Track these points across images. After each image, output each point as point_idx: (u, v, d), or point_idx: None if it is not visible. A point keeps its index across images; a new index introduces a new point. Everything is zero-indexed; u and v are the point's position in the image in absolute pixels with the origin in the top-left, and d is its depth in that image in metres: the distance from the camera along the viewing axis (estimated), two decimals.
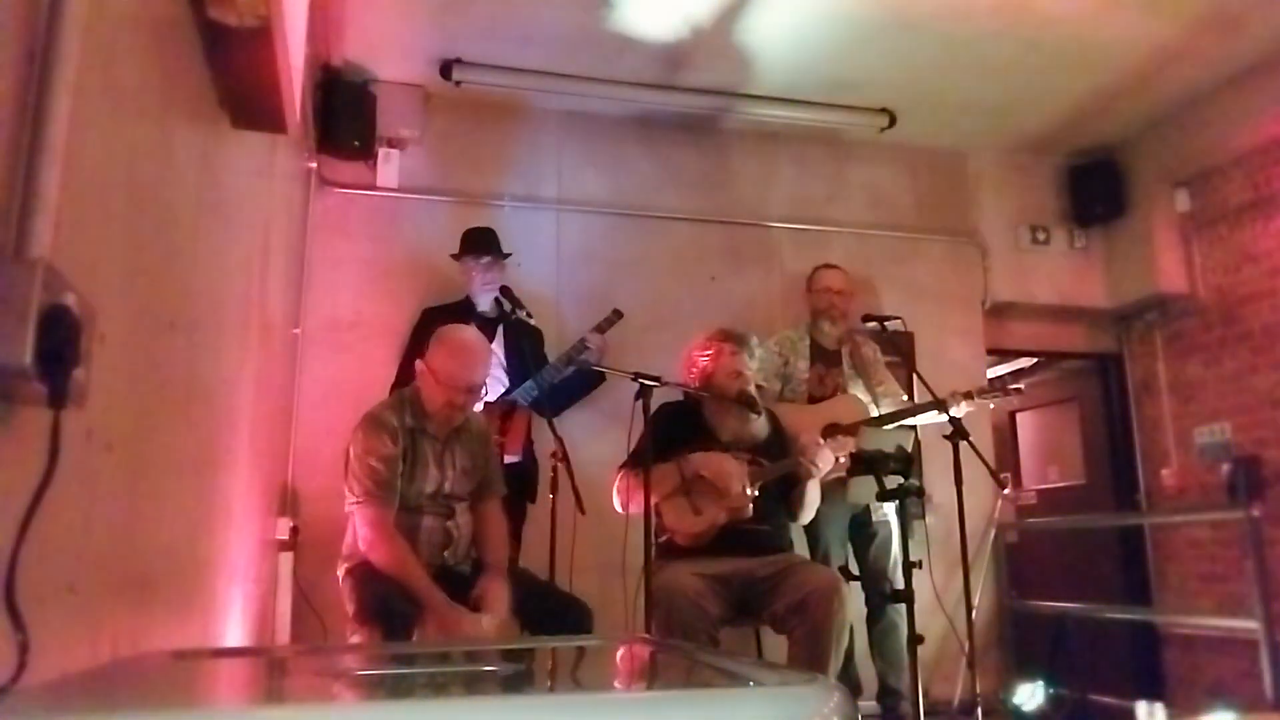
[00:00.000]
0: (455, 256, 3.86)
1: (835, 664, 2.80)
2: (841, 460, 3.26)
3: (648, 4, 3.78)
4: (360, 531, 2.62)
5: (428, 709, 0.84)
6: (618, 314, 3.81)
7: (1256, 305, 4.60)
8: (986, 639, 4.42)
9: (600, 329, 3.80)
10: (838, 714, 0.80)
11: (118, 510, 1.37)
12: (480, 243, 3.83)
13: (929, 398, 3.47)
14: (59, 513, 1.03)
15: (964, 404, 3.55)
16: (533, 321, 3.74)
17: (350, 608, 2.60)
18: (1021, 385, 3.73)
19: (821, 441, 3.18)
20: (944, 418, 3.36)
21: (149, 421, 1.53)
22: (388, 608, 2.46)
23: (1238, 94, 4.38)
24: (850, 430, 3.60)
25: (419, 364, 2.72)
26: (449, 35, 4.05)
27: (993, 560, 4.67)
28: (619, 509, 3.16)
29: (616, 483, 3.16)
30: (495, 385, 3.59)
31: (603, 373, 3.70)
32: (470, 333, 2.83)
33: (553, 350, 3.88)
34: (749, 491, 3.04)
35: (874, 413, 3.77)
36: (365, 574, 2.57)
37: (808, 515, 3.24)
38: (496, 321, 3.72)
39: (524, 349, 3.72)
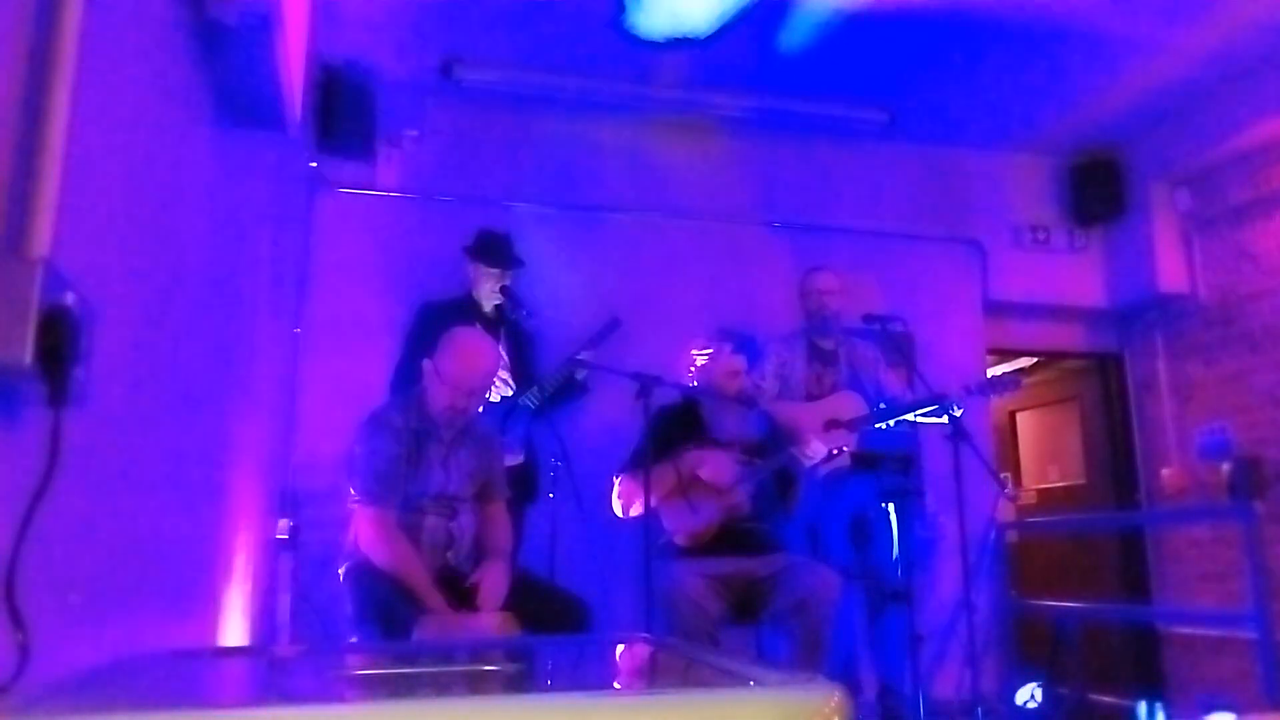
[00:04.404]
0: (469, 255, 3.83)
1: (834, 663, 2.81)
2: (836, 453, 3.26)
3: (647, 3, 3.78)
4: (362, 531, 2.62)
5: (428, 708, 0.84)
6: (615, 322, 3.81)
7: (1256, 305, 4.60)
8: (986, 639, 4.41)
9: (597, 339, 3.78)
10: (838, 714, 0.80)
11: (118, 510, 1.37)
12: (496, 253, 3.79)
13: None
14: (59, 513, 1.03)
15: (963, 398, 3.56)
16: (533, 321, 3.75)
17: (350, 607, 2.60)
18: (1019, 377, 3.67)
19: (812, 438, 3.19)
20: (944, 417, 3.36)
21: (149, 421, 1.53)
22: (388, 608, 2.46)
23: (1238, 94, 4.38)
24: (850, 425, 3.61)
25: (426, 364, 2.72)
26: (449, 34, 4.05)
27: (993, 560, 4.67)
28: (619, 513, 3.16)
29: (616, 488, 3.17)
30: (501, 386, 3.59)
31: (586, 385, 3.75)
32: (480, 336, 2.83)
33: (550, 351, 3.89)
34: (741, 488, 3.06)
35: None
36: (366, 573, 2.57)
37: (804, 511, 3.26)
38: (499, 323, 3.72)
39: (524, 352, 3.73)
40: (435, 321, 3.36)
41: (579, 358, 3.63)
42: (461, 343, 2.71)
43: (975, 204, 5.07)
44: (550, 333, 3.95)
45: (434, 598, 2.50)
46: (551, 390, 3.66)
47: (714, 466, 3.08)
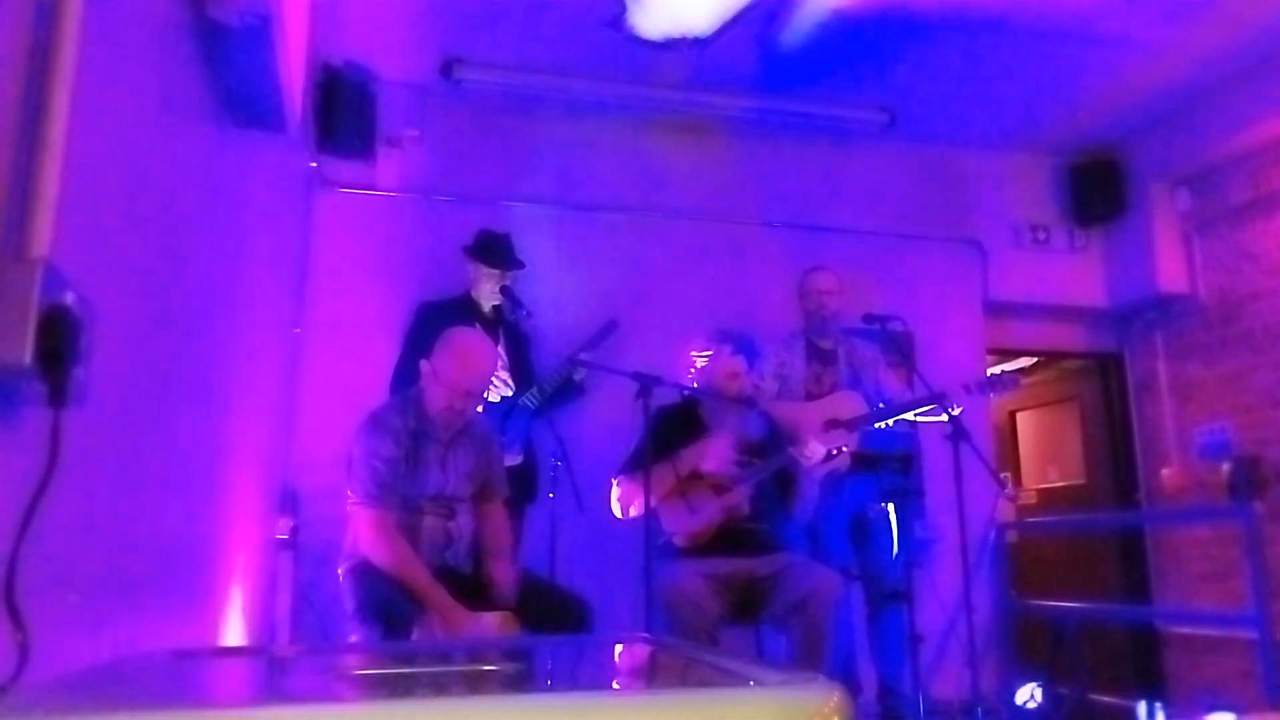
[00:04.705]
0: (468, 254, 3.83)
1: (834, 663, 2.80)
2: (835, 453, 3.26)
3: (647, 3, 3.78)
4: (361, 532, 2.62)
5: (428, 708, 0.84)
6: (613, 324, 3.82)
7: (1256, 305, 4.60)
8: (986, 639, 4.41)
9: (596, 341, 3.79)
10: (838, 714, 0.80)
11: (118, 510, 1.37)
12: (497, 254, 3.79)
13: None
14: (59, 513, 1.03)
15: (963, 396, 3.56)
16: (532, 321, 3.74)
17: (350, 607, 2.60)
18: (1017, 376, 3.69)
19: (810, 439, 3.19)
20: (944, 416, 3.36)
21: (149, 421, 1.53)
22: (388, 607, 2.46)
23: (1238, 93, 4.38)
24: (850, 425, 3.61)
25: (424, 365, 2.72)
26: (449, 34, 4.05)
27: (993, 560, 4.67)
28: (619, 515, 3.16)
29: (615, 490, 3.17)
30: (500, 386, 3.60)
31: (582, 386, 3.77)
32: (477, 337, 2.83)
33: (549, 352, 3.89)
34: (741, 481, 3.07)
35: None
36: (366, 573, 2.58)
37: (804, 512, 3.26)
38: (498, 324, 3.73)
39: (523, 353, 3.73)
40: (434, 321, 3.37)
41: (578, 358, 3.64)
42: (459, 344, 2.71)
43: (975, 204, 5.07)
44: (549, 333, 3.95)
45: (437, 594, 2.51)
46: (551, 391, 3.66)
47: (712, 455, 3.09)
